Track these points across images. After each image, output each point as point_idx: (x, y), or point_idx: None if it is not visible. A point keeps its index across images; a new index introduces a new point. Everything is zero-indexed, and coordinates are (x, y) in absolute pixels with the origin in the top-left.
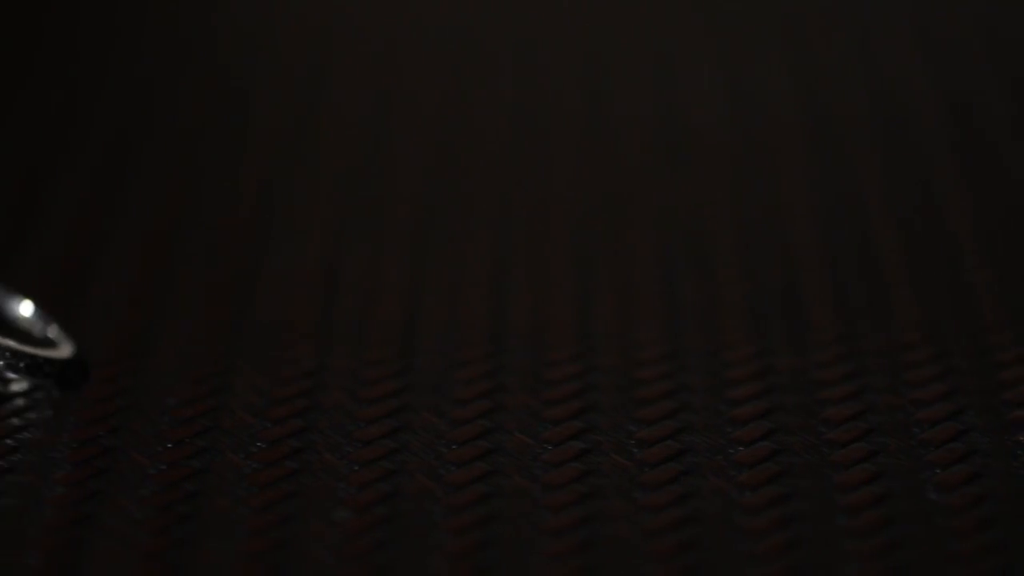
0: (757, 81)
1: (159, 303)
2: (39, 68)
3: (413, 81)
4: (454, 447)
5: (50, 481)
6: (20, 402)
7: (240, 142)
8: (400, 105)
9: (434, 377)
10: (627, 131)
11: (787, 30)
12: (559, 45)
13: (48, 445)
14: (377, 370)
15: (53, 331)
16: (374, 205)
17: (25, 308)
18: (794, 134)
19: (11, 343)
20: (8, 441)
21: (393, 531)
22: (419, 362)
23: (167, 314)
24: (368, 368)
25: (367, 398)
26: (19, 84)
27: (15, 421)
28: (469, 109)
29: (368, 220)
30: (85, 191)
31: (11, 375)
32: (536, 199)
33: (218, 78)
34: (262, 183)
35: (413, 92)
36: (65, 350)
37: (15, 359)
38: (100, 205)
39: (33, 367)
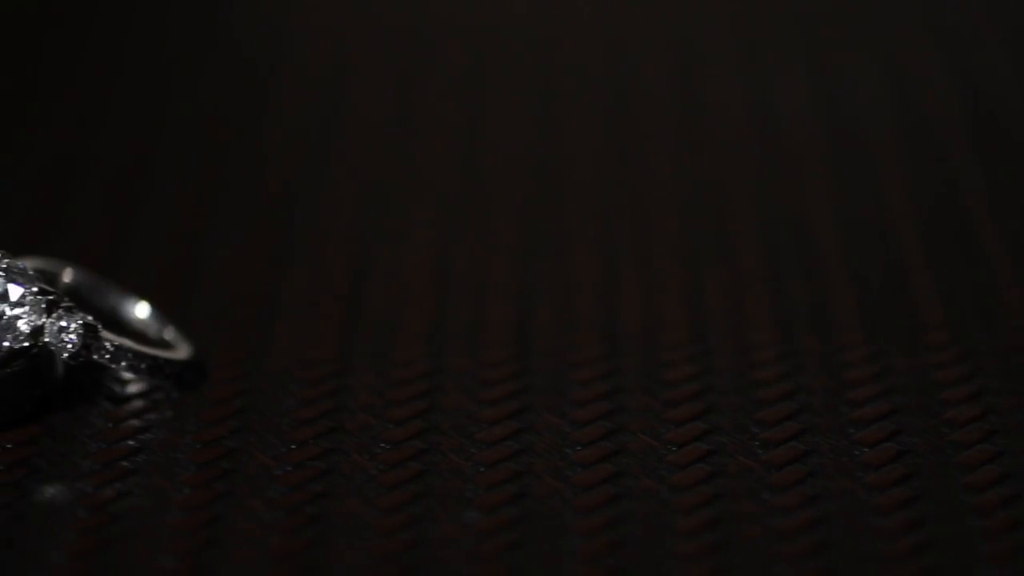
0: (849, 87)
1: (271, 304)
2: (129, 69)
3: (495, 89)
4: (578, 448)
5: (177, 482)
6: (139, 403)
7: (339, 147)
8: (490, 111)
9: (552, 378)
10: (723, 132)
11: (875, 37)
12: (648, 42)
13: (172, 447)
14: (494, 371)
15: (170, 333)
16: (476, 207)
17: (141, 310)
18: (889, 139)
19: (133, 344)
20: (131, 442)
21: (524, 533)
22: (535, 363)
23: (279, 315)
24: (485, 369)
25: (487, 399)
26: (109, 84)
27: (135, 422)
28: (559, 109)
29: (471, 222)
30: (189, 193)
31: (128, 376)
32: (638, 199)
33: (315, 93)
34: (365, 185)
35: (497, 102)
36: (183, 351)
37: (136, 360)
38: (206, 207)
39: (154, 368)
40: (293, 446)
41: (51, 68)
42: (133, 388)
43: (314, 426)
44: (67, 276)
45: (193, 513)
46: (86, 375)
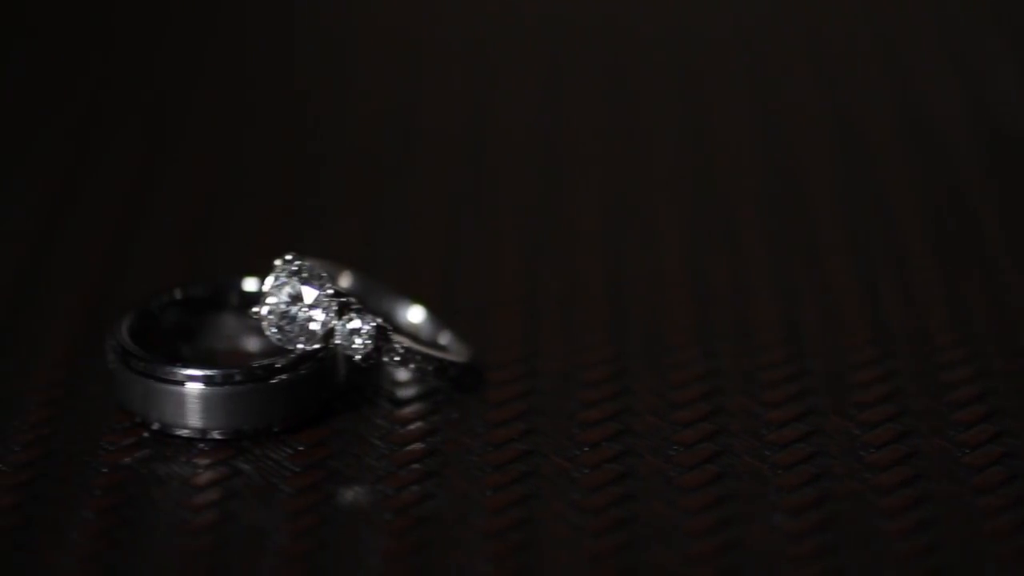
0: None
1: (531, 306)
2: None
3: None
4: (872, 451)
5: (478, 485)
6: (420, 406)
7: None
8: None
9: (829, 379)
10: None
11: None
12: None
13: (464, 449)
14: (772, 373)
15: (445, 337)
16: (723, 210)
17: (416, 314)
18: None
19: (422, 347)
20: (421, 444)
21: (834, 536)
22: (812, 363)
23: (543, 317)
24: (763, 371)
25: (770, 401)
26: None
27: (421, 424)
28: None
29: (717, 225)
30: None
31: (404, 378)
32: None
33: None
34: (608, 186)
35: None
36: (462, 354)
37: (424, 363)
38: (460, 212)
39: (439, 371)
40: (586, 448)
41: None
42: (410, 391)
43: (603, 428)
44: (344, 279)
45: (500, 516)
46: (363, 377)
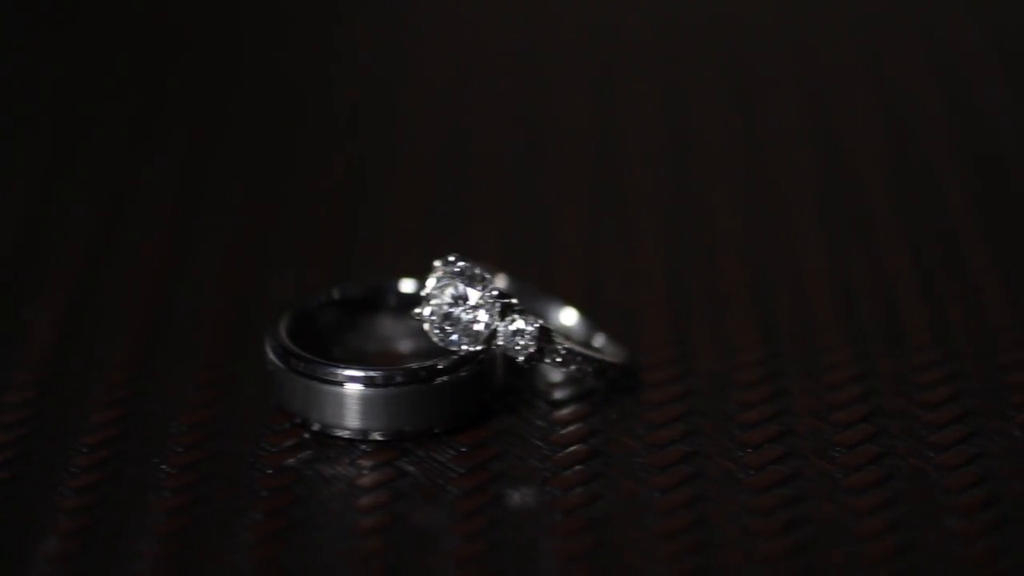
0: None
1: (677, 309)
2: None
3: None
4: None
5: (646, 485)
6: (577, 407)
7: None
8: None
9: (989, 380)
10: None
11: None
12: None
13: (626, 450)
14: (925, 375)
15: (599, 339)
16: (857, 213)
17: (568, 316)
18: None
19: (583, 348)
20: (582, 445)
21: (1006, 538)
22: (963, 366)
23: (688, 317)
24: (914, 373)
25: (928, 402)
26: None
27: (581, 425)
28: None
29: (852, 225)
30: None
31: (556, 379)
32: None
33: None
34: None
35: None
36: (618, 355)
37: (585, 364)
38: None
39: (599, 372)
40: (749, 450)
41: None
42: (566, 392)
43: (764, 430)
44: (499, 281)
45: (670, 517)
46: (519, 378)
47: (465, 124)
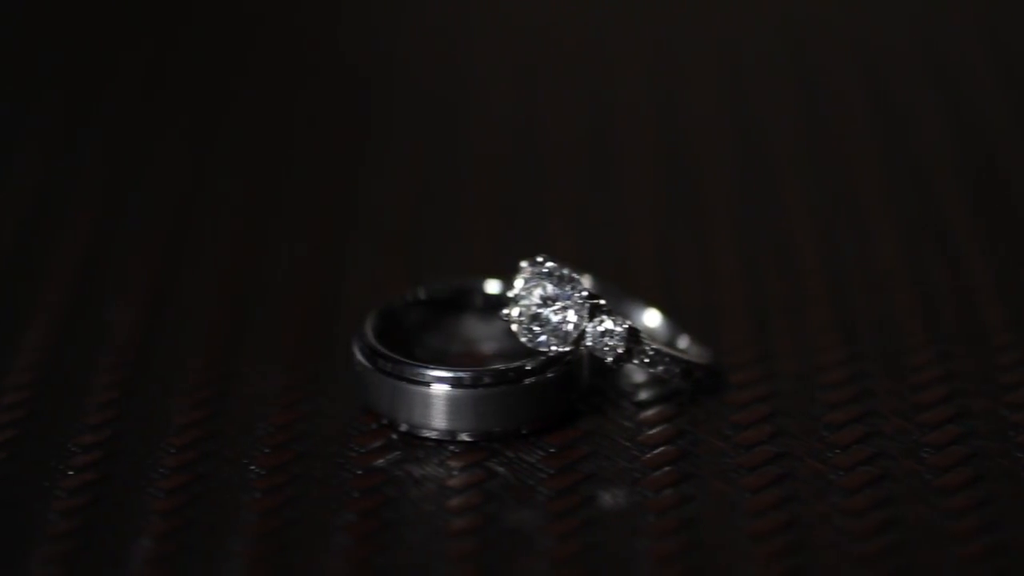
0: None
1: (756, 309)
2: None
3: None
4: None
5: (736, 486)
6: (662, 408)
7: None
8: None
9: None
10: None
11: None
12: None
13: (713, 451)
14: (1014, 375)
15: (683, 340)
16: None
17: (652, 317)
18: None
19: (670, 349)
20: (670, 446)
21: None
22: None
23: (770, 319)
24: (1003, 373)
25: (1015, 403)
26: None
27: (667, 426)
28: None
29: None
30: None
31: (639, 380)
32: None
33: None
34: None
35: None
36: (703, 356)
37: (672, 365)
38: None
39: (686, 373)
40: (837, 451)
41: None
42: (650, 392)
43: (851, 431)
44: (585, 281)
45: (762, 519)
46: (603, 379)
47: (535, 125)
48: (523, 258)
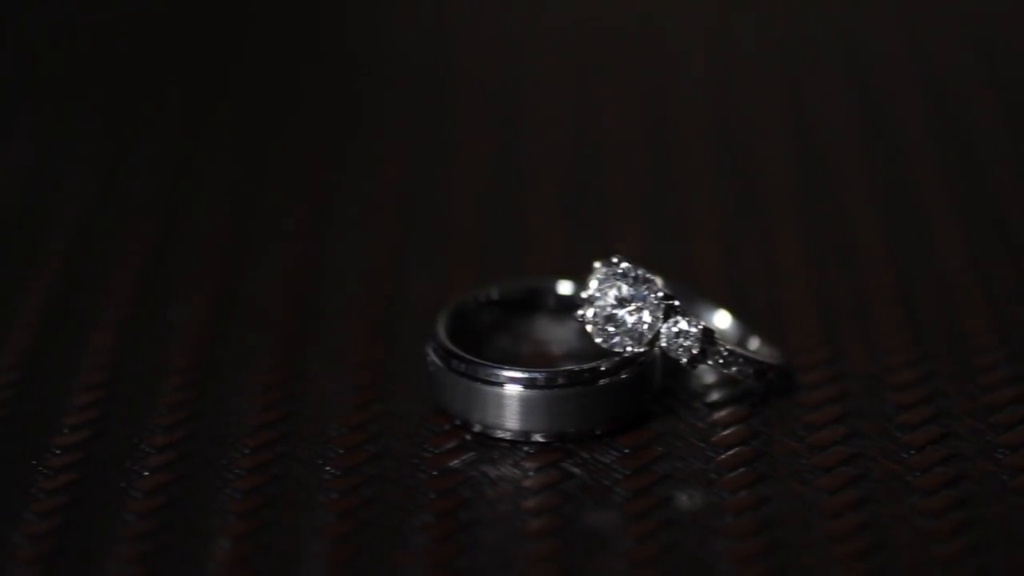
0: None
1: (823, 310)
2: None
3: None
4: None
5: (813, 487)
6: (734, 409)
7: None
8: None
9: None
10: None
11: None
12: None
13: (789, 451)
14: None
15: (754, 342)
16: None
17: (722, 319)
18: None
19: (744, 350)
20: (744, 447)
21: None
22: None
23: (838, 320)
24: None
25: None
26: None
27: (740, 427)
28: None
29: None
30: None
31: (710, 380)
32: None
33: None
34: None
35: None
36: (774, 357)
37: (746, 365)
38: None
39: (759, 374)
40: (912, 451)
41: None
42: (721, 393)
43: (925, 432)
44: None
45: (840, 520)
46: (673, 380)
47: (598, 125)
48: (595, 259)
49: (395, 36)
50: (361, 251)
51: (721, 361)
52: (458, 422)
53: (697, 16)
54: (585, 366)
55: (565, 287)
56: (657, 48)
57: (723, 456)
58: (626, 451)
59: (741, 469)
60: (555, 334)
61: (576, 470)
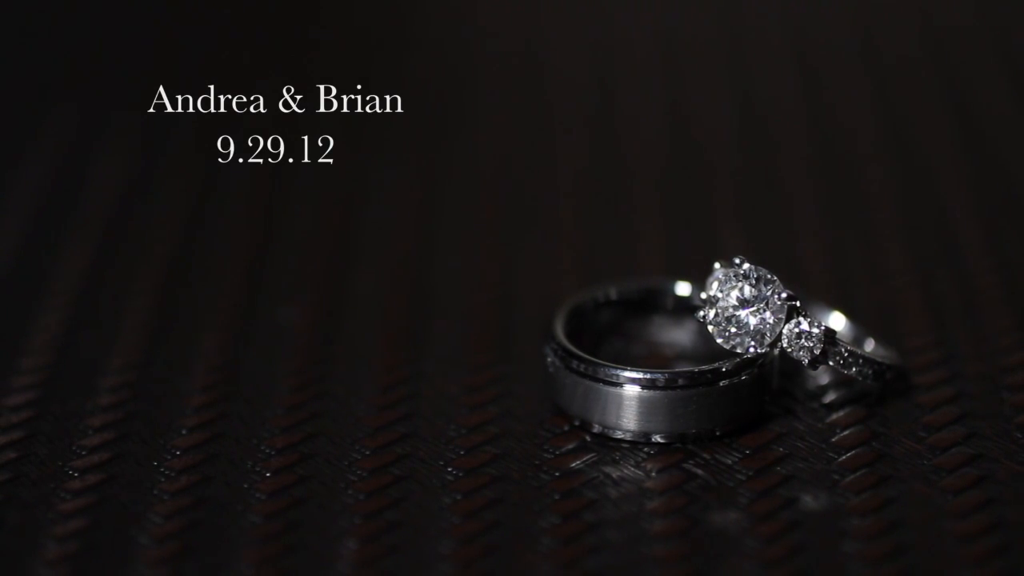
0: None
1: (931, 309)
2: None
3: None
4: None
5: (939, 488)
6: (851, 410)
7: None
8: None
9: None
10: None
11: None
12: None
13: (910, 452)
14: None
15: (869, 344)
16: None
17: (836, 321)
18: None
19: (864, 351)
20: (865, 448)
21: None
22: None
23: (947, 319)
24: None
25: None
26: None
27: (860, 428)
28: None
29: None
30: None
31: (823, 381)
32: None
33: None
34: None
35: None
36: (891, 358)
37: (865, 366)
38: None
39: (877, 374)
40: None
41: None
42: (837, 394)
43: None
44: None
45: (967, 520)
46: (789, 380)
47: (693, 129)
48: (714, 259)
49: (503, 40)
50: (473, 253)
51: (841, 362)
52: (577, 423)
53: (783, 19)
54: (706, 367)
55: (683, 288)
56: (750, 49)
57: (844, 457)
58: (747, 452)
59: (863, 470)
60: (669, 336)
61: (699, 471)
